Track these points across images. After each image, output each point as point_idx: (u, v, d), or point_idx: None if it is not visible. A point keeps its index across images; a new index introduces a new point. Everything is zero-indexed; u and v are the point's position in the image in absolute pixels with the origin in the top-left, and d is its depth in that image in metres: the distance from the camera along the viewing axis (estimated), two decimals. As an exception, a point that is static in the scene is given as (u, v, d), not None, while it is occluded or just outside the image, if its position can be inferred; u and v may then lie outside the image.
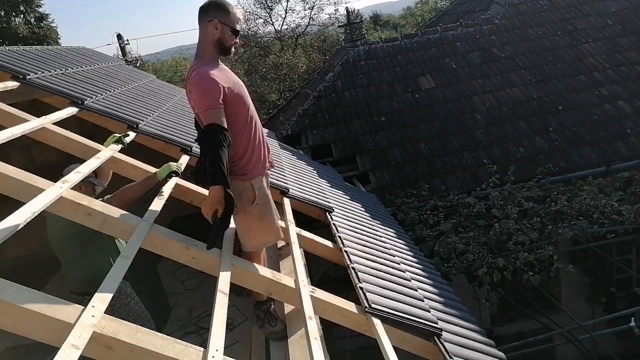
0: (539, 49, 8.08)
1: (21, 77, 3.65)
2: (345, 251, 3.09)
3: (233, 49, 2.30)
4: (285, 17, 25.26)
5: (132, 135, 3.36)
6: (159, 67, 28.57)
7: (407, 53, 8.48)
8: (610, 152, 6.40)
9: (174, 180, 2.79)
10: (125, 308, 2.79)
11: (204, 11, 2.22)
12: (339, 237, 3.32)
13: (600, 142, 6.54)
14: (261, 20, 25.21)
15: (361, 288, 2.59)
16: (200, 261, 2.27)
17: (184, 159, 3.39)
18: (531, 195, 5.67)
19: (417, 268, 3.71)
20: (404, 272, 3.35)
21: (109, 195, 2.76)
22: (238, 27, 2.26)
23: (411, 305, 2.70)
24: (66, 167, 2.74)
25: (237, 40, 2.29)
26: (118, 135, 3.08)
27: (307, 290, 2.35)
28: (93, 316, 1.47)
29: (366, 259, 3.15)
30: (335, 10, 29.59)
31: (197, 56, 2.26)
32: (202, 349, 1.62)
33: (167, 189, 2.68)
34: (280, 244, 3.28)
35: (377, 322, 2.32)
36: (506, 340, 5.06)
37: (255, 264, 2.44)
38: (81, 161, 2.68)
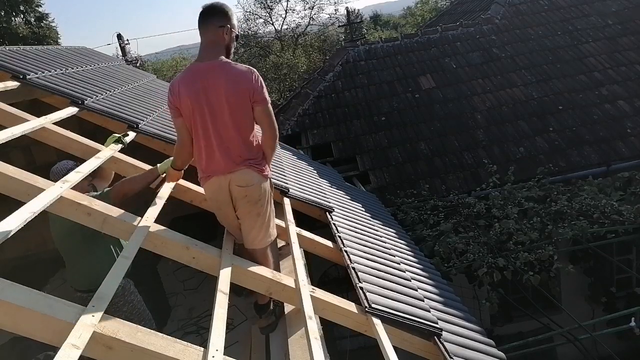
0: (539, 49, 8.07)
1: (21, 77, 3.65)
2: (345, 251, 3.09)
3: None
4: (286, 17, 25.32)
5: (132, 135, 3.36)
6: (159, 67, 28.56)
7: (408, 53, 8.48)
8: (610, 152, 6.39)
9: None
10: (128, 306, 2.78)
11: (213, 15, 2.26)
12: (339, 237, 3.31)
13: (600, 142, 6.54)
14: (261, 20, 25.28)
15: (361, 288, 2.59)
16: (200, 261, 2.27)
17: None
18: (531, 195, 5.67)
19: (417, 268, 3.71)
20: (404, 272, 3.35)
21: (107, 188, 2.75)
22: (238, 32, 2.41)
23: (411, 305, 2.70)
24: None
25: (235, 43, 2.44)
26: (118, 135, 3.08)
27: (307, 290, 2.35)
28: (93, 316, 1.47)
29: (366, 259, 3.15)
30: (335, 10, 29.63)
31: (221, 54, 2.29)
32: (202, 349, 1.62)
33: (167, 189, 2.69)
34: (280, 244, 3.28)
35: (377, 322, 2.32)
36: (506, 340, 5.05)
37: (268, 263, 2.51)
38: (81, 160, 2.68)
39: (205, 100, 2.22)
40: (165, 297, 4.59)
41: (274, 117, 2.36)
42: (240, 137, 2.29)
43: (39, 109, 3.42)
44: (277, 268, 2.82)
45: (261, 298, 2.59)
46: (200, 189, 2.85)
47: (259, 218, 2.46)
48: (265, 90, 2.29)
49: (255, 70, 2.29)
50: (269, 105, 2.32)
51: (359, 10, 32.94)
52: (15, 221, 1.69)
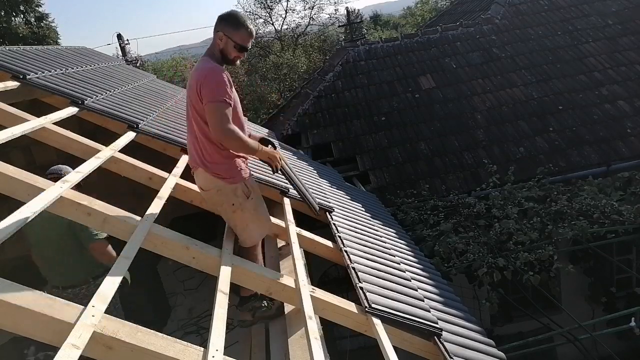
0: (539, 49, 8.07)
1: (21, 77, 3.65)
2: (345, 251, 3.09)
3: (238, 62, 2.42)
4: (286, 17, 25.29)
5: (131, 135, 3.36)
6: (159, 67, 28.52)
7: (408, 53, 8.48)
8: (610, 152, 6.39)
9: (174, 180, 2.80)
10: None
11: (217, 21, 2.35)
12: (339, 237, 3.31)
13: (600, 142, 6.54)
14: (261, 20, 25.23)
15: (361, 288, 2.59)
16: (200, 261, 2.27)
17: (184, 159, 3.39)
18: (531, 195, 5.67)
19: (417, 268, 3.71)
20: (404, 272, 3.35)
21: None
22: (247, 45, 2.35)
23: (411, 305, 2.70)
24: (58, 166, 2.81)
25: (243, 55, 2.40)
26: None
27: (307, 290, 2.35)
28: (93, 316, 1.47)
29: (366, 259, 3.15)
30: (335, 10, 29.68)
31: (208, 54, 2.37)
32: (202, 349, 1.62)
33: (166, 189, 2.68)
34: (280, 243, 3.28)
35: (377, 322, 2.32)
36: (506, 340, 5.05)
37: (254, 262, 2.46)
38: (80, 161, 2.68)
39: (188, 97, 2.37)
40: (165, 297, 4.60)
41: (219, 118, 2.18)
42: (197, 136, 2.34)
43: (39, 109, 3.42)
44: (276, 268, 2.82)
45: (243, 290, 2.61)
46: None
47: (230, 222, 2.51)
48: (220, 88, 2.18)
49: (214, 70, 2.22)
50: (217, 104, 2.18)
51: (359, 10, 32.90)
52: (15, 221, 1.69)
